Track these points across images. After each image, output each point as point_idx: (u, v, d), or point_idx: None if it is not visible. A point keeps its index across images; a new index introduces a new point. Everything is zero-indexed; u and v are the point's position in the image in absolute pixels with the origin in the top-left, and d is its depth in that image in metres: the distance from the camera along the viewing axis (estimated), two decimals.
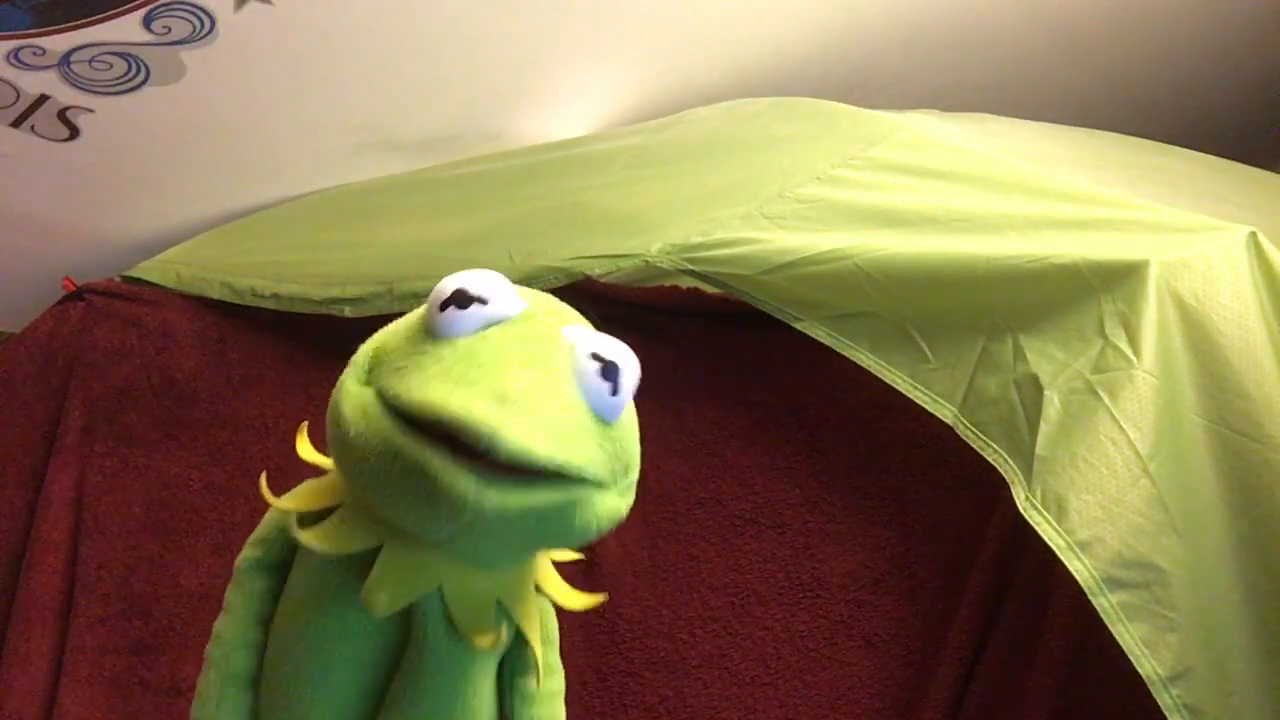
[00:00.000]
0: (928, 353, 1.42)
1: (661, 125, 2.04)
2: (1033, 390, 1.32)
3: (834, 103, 1.81)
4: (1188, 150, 2.05)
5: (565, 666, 1.28)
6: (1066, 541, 1.23)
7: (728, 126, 1.94)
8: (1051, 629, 1.36)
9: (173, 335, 2.05)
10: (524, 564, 1.17)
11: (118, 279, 2.15)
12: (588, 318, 1.78)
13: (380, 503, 1.05)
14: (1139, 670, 1.19)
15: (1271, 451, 1.25)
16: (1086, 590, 1.21)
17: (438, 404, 0.97)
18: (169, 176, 2.24)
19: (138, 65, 1.93)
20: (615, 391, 1.03)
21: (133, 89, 1.98)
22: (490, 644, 1.11)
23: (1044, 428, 1.29)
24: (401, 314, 1.80)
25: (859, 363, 1.45)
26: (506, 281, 1.08)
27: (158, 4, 1.80)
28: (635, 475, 1.09)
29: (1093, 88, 2.57)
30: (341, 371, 1.98)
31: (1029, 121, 1.98)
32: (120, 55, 1.90)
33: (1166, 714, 1.18)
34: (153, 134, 2.11)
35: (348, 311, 1.87)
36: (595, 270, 1.66)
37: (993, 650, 1.44)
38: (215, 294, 2.04)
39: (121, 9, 1.80)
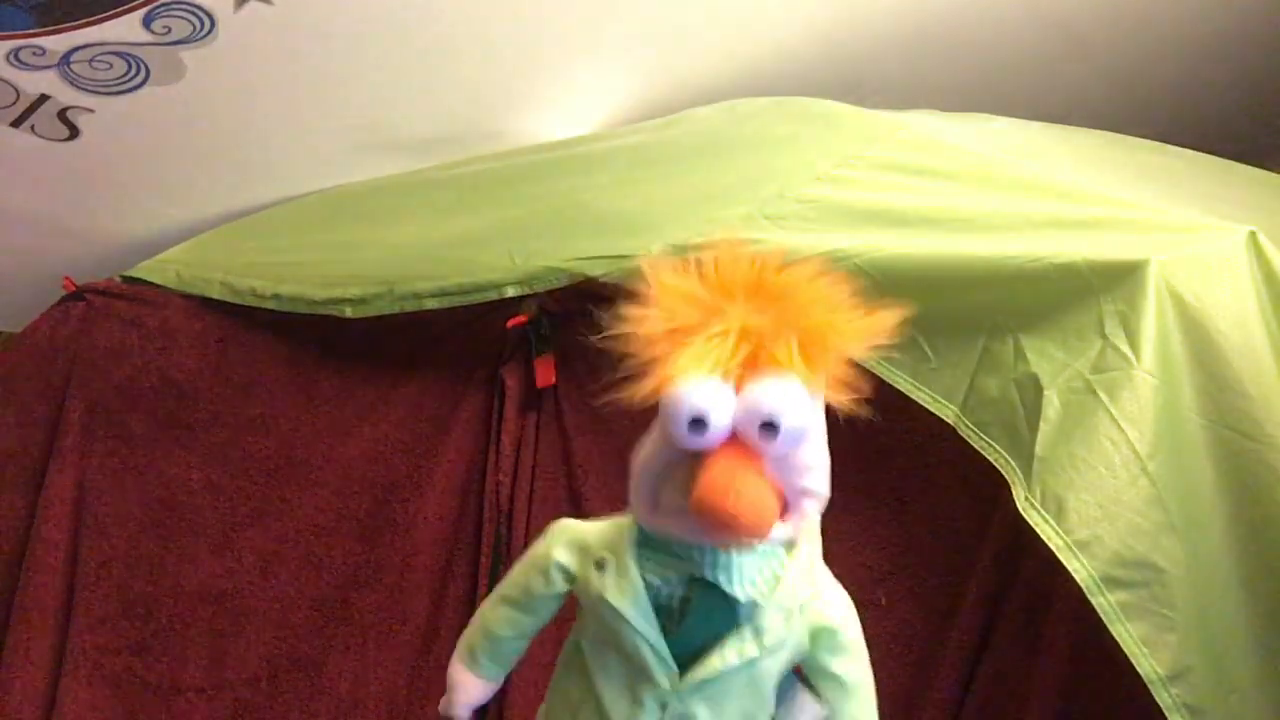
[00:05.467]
0: (929, 352, 1.42)
1: (661, 125, 2.04)
2: (1033, 390, 1.32)
3: (834, 103, 1.81)
4: (1188, 150, 2.05)
5: None
6: (1065, 541, 1.23)
7: (728, 126, 1.94)
8: (1052, 628, 1.36)
9: (173, 335, 2.05)
10: None
11: (118, 279, 2.15)
12: (588, 318, 1.79)
13: None
14: (1139, 670, 1.19)
15: (1271, 451, 1.25)
16: (1085, 590, 1.21)
17: None
18: (169, 176, 2.24)
19: (138, 65, 1.93)
20: None
21: (133, 89, 1.98)
22: None
23: (1043, 427, 1.29)
24: (401, 314, 1.83)
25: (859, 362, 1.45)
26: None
27: (158, 4, 1.80)
28: None
29: (1093, 88, 2.57)
30: (341, 370, 1.99)
31: (1029, 121, 1.98)
32: (120, 55, 1.90)
33: (1166, 713, 1.18)
34: (153, 134, 2.11)
35: (348, 311, 1.88)
36: (595, 270, 1.66)
37: (994, 650, 1.44)
38: (215, 294, 2.04)
39: (121, 9, 1.80)
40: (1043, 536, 1.24)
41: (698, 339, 1.05)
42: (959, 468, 1.47)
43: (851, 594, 1.55)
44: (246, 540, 1.96)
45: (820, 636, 1.18)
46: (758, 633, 1.12)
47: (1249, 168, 2.06)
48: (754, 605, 1.12)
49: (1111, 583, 1.21)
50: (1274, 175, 2.08)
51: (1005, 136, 1.83)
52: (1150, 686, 1.19)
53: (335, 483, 1.94)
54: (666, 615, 1.13)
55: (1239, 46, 2.57)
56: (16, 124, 2.03)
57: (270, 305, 1.97)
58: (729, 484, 1.01)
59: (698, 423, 1.02)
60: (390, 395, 1.93)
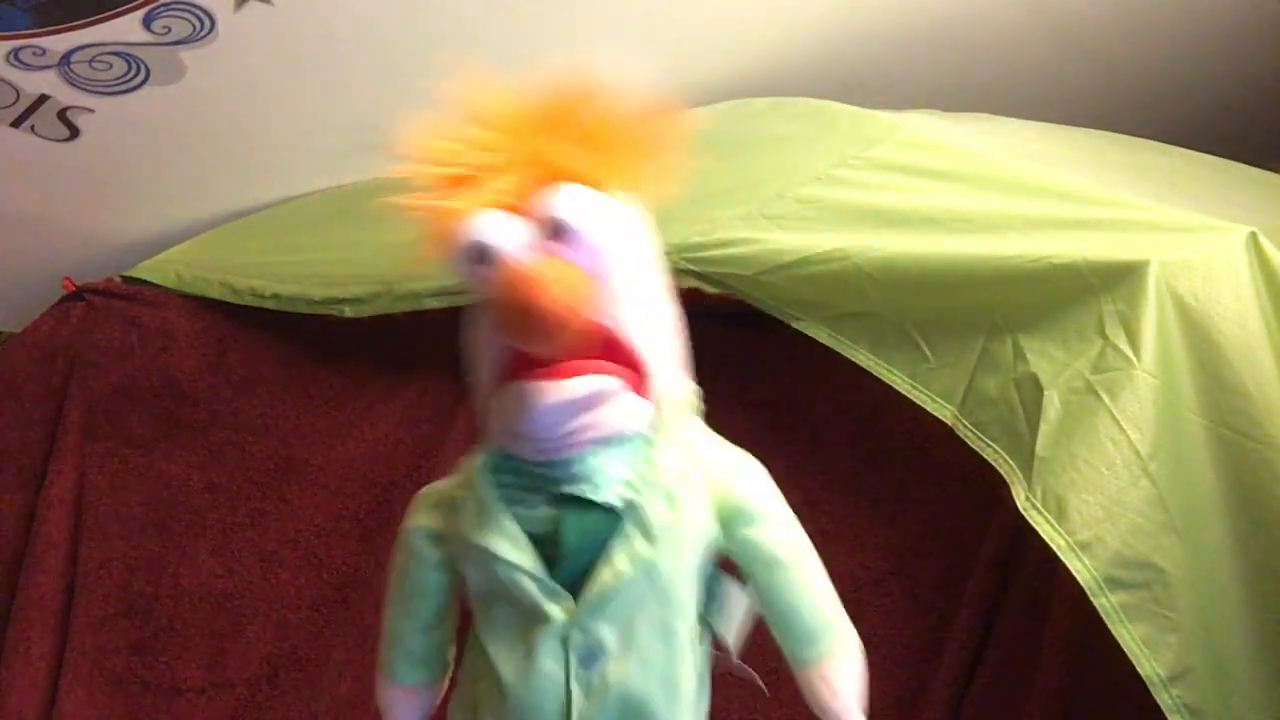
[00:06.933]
0: (927, 353, 1.42)
1: None
2: (1033, 390, 1.32)
3: (834, 103, 1.81)
4: (1188, 150, 2.05)
5: None
6: (1067, 541, 1.23)
7: (728, 126, 1.94)
8: (1052, 629, 1.36)
9: (173, 335, 2.05)
10: None
11: (118, 279, 2.15)
12: None
13: None
14: (1139, 671, 1.19)
15: (1271, 451, 1.25)
16: (1087, 590, 1.21)
17: None
18: (169, 176, 2.24)
19: (138, 65, 1.93)
20: None
21: (133, 89, 1.98)
22: None
23: (1044, 428, 1.29)
24: (401, 314, 1.83)
25: (859, 363, 1.45)
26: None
27: (158, 4, 1.80)
28: None
29: (1093, 88, 2.57)
30: (341, 370, 1.98)
31: (1029, 121, 1.97)
32: (120, 55, 1.90)
33: (1167, 714, 1.18)
34: (153, 134, 2.11)
35: (347, 311, 1.88)
36: None
37: (993, 650, 1.44)
38: (215, 294, 2.04)
39: (121, 9, 1.80)
40: (1044, 537, 1.24)
41: (462, 176, 1.01)
42: (959, 468, 1.47)
43: (852, 594, 1.55)
44: (246, 540, 1.96)
45: (728, 515, 1.09)
46: (644, 529, 1.02)
47: (1249, 168, 2.06)
48: (631, 505, 1.03)
49: (1113, 583, 1.21)
50: (1274, 175, 2.08)
51: (1005, 136, 1.83)
52: (1151, 687, 1.19)
53: (335, 483, 1.94)
54: (545, 545, 1.04)
55: (1239, 46, 2.57)
56: (16, 124, 2.03)
57: (270, 305, 1.97)
58: (526, 268, 0.95)
59: (482, 253, 0.98)
60: (390, 395, 1.93)
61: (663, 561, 1.04)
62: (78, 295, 2.12)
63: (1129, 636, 1.20)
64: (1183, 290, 1.29)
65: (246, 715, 1.91)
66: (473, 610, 1.10)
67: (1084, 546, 1.23)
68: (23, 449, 2.08)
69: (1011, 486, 1.31)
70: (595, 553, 1.03)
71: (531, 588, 1.03)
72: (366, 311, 1.86)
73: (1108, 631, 1.21)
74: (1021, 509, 1.27)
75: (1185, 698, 1.19)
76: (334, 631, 1.89)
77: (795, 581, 1.12)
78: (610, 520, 1.03)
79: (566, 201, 1.00)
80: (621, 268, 1.03)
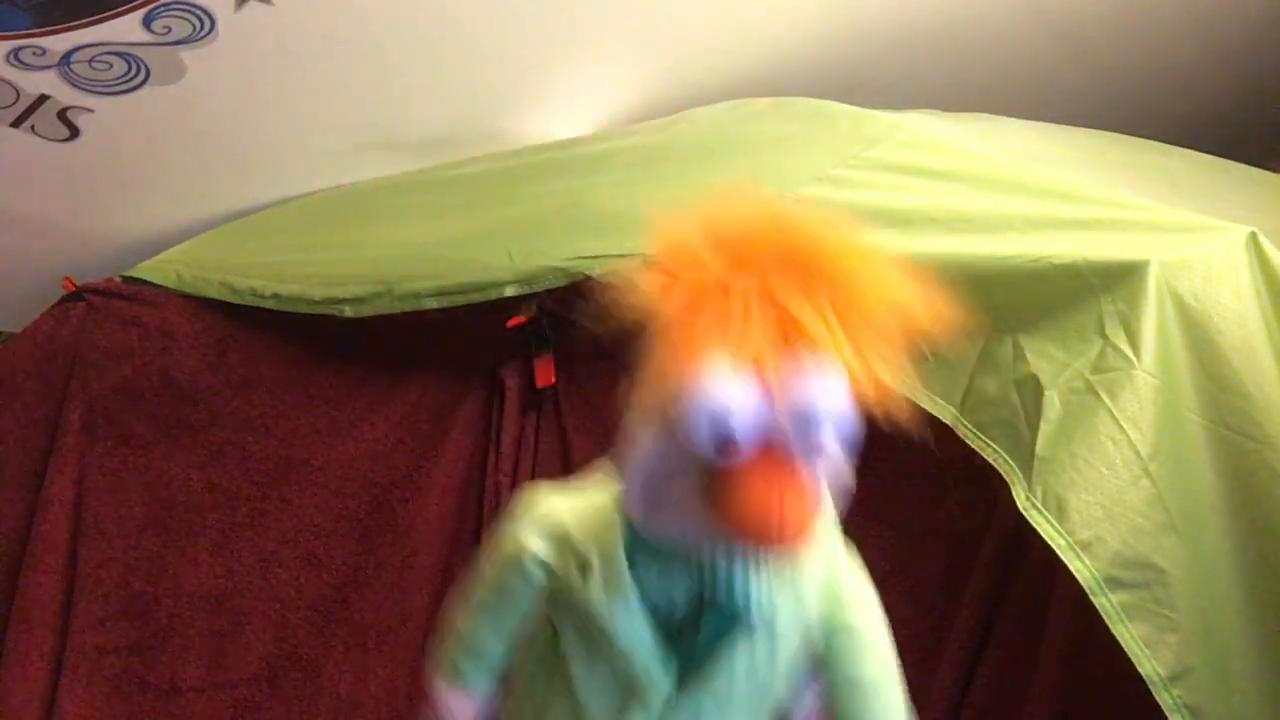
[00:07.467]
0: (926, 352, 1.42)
1: (661, 125, 2.04)
2: (1033, 390, 1.32)
3: (834, 103, 1.81)
4: (1188, 150, 2.05)
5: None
6: (1067, 541, 1.23)
7: (728, 126, 1.94)
8: (1052, 629, 1.36)
9: (173, 335, 2.05)
10: None
11: (118, 279, 2.15)
12: (587, 318, 1.78)
13: None
14: (1139, 670, 1.19)
15: (1271, 451, 1.25)
16: (1087, 590, 1.21)
17: None
18: (169, 176, 2.24)
19: (138, 65, 1.93)
20: None
21: (133, 89, 1.98)
22: None
23: (1044, 428, 1.29)
24: (401, 314, 1.83)
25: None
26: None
27: (158, 4, 1.80)
28: None
29: (1093, 88, 2.57)
30: (341, 370, 1.99)
31: (1029, 121, 1.98)
32: (120, 55, 1.90)
33: (1167, 714, 1.18)
34: (153, 134, 2.11)
35: (347, 311, 1.87)
36: (595, 270, 1.66)
37: (993, 650, 1.44)
38: (215, 294, 2.04)
39: (121, 9, 1.80)
40: (1045, 537, 1.24)
41: (710, 310, 0.88)
42: (958, 468, 1.47)
43: None
44: (246, 540, 1.96)
45: (837, 639, 1.10)
46: (773, 653, 1.03)
47: (1249, 168, 2.06)
48: (773, 625, 1.03)
49: (1113, 583, 1.21)
50: (1274, 175, 2.08)
51: (1005, 136, 1.83)
52: (1151, 687, 1.19)
53: (335, 483, 1.94)
54: (668, 631, 1.03)
55: (1239, 46, 2.57)
56: (16, 124, 2.03)
57: (270, 305, 1.97)
58: (772, 505, 0.87)
59: (726, 442, 0.87)
60: (390, 395, 1.93)
61: (771, 668, 1.06)
62: (78, 295, 2.12)
63: (1129, 636, 1.20)
64: (1183, 290, 1.29)
65: (246, 715, 1.91)
66: (567, 651, 1.09)
67: (1084, 546, 1.23)
68: (22, 449, 2.08)
69: (1011, 486, 1.31)
70: (717, 644, 1.03)
71: (643, 672, 1.03)
72: (366, 311, 1.86)
73: (1108, 631, 1.21)
74: (1021, 509, 1.27)
75: (1185, 698, 1.19)
76: (334, 631, 1.89)
77: (869, 710, 1.11)
78: (743, 624, 1.03)
79: (829, 398, 0.90)
80: (836, 441, 0.96)
